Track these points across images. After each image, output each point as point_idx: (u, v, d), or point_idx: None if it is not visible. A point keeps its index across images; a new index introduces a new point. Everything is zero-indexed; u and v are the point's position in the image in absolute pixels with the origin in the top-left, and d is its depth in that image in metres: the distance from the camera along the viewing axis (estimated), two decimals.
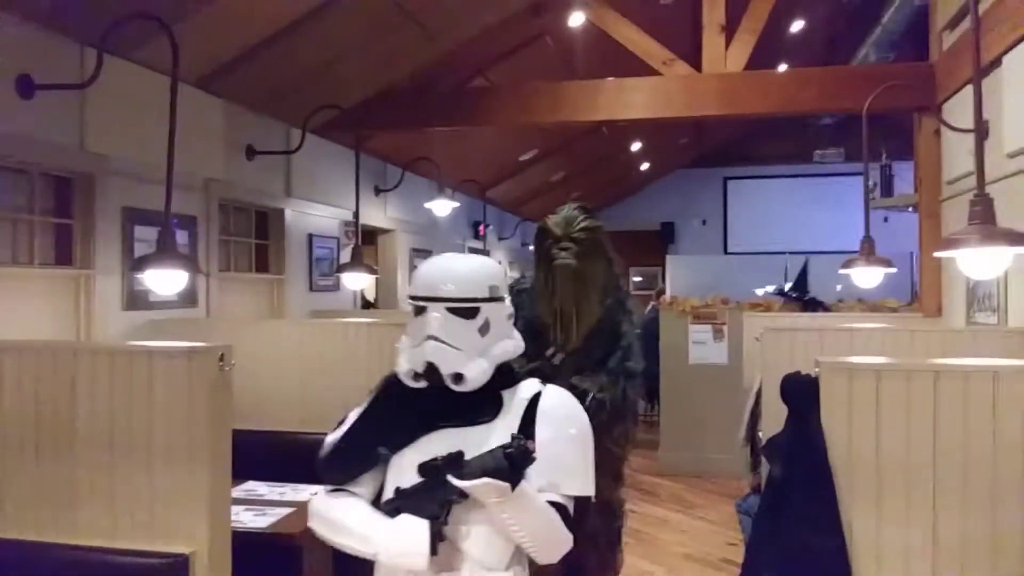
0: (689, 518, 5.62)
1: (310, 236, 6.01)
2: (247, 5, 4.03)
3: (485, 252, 9.82)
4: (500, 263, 2.25)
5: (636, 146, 11.18)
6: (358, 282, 5.54)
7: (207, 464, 2.29)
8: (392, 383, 1.87)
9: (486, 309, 1.78)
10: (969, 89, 3.69)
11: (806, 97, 5.45)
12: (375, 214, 7.08)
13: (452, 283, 1.76)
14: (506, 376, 1.84)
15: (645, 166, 12.79)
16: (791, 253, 11.05)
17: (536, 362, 2.72)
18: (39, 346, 2.57)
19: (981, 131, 2.81)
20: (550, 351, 2.92)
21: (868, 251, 4.23)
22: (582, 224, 2.86)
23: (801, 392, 2.21)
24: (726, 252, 14.07)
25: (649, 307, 8.03)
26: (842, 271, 4.38)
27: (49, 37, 3.56)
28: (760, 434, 3.67)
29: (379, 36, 5.00)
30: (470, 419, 1.77)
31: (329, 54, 4.94)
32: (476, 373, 1.73)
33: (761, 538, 2.41)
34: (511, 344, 1.85)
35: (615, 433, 2.91)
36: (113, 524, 2.30)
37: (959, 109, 4.51)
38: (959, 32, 4.75)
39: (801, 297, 6.82)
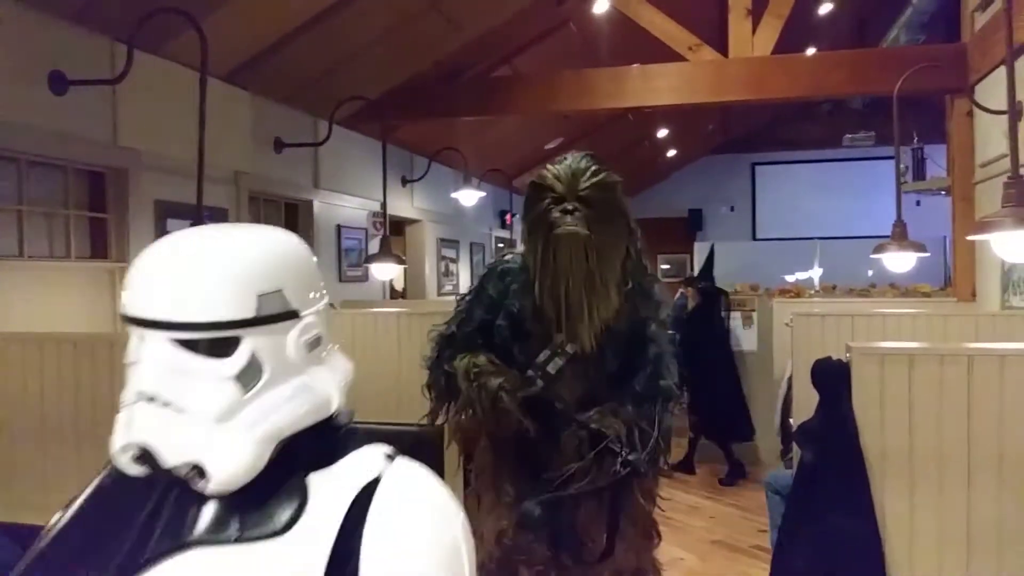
0: (719, 504, 5.61)
1: (338, 227, 6.06)
2: (271, 1, 4.07)
3: (512, 242, 9.83)
4: (302, 242, 1.03)
5: (662, 133, 11.10)
6: (387, 273, 5.58)
7: None
8: (114, 474, 0.97)
9: (253, 340, 0.91)
10: (1002, 70, 3.62)
11: (835, 80, 5.37)
12: (402, 204, 7.12)
13: (178, 293, 0.89)
14: (317, 448, 0.96)
15: (672, 153, 12.70)
16: (821, 239, 10.94)
17: (526, 372, 2.10)
18: (78, 337, 2.63)
19: (1015, 112, 2.76)
20: (544, 355, 2.10)
21: (900, 235, 4.17)
22: (594, 179, 2.04)
23: (832, 377, 2.20)
24: (754, 238, 13.95)
25: (678, 294, 7.99)
26: (874, 256, 4.33)
27: (80, 33, 3.61)
28: (792, 420, 3.65)
29: (404, 26, 5.02)
30: (243, 532, 0.89)
31: (355, 46, 4.96)
32: (231, 465, 0.88)
33: (793, 523, 2.40)
34: (311, 400, 0.95)
35: (646, 486, 2.23)
36: None
37: (992, 90, 4.43)
38: (991, 12, 4.66)
39: (708, 285, 6.50)
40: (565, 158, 2.11)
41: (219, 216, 4.55)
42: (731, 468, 6.16)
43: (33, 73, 3.39)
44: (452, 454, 3.92)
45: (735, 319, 6.70)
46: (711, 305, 6.47)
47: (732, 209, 14.42)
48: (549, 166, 2.10)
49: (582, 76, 5.79)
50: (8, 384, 2.52)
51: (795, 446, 3.15)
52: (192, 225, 3.27)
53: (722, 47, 5.55)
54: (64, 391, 2.49)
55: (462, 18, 5.23)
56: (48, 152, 3.54)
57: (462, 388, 2.16)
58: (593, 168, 2.06)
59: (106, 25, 3.67)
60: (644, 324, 2.12)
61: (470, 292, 2.34)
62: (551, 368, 2.09)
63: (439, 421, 2.38)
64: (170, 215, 4.17)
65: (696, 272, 6.97)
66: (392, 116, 5.89)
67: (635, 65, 5.70)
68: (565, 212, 2.01)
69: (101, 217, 3.89)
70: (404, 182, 7.12)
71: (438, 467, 3.84)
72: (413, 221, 7.61)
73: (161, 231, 4.11)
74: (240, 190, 4.79)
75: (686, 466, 6.35)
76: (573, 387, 2.11)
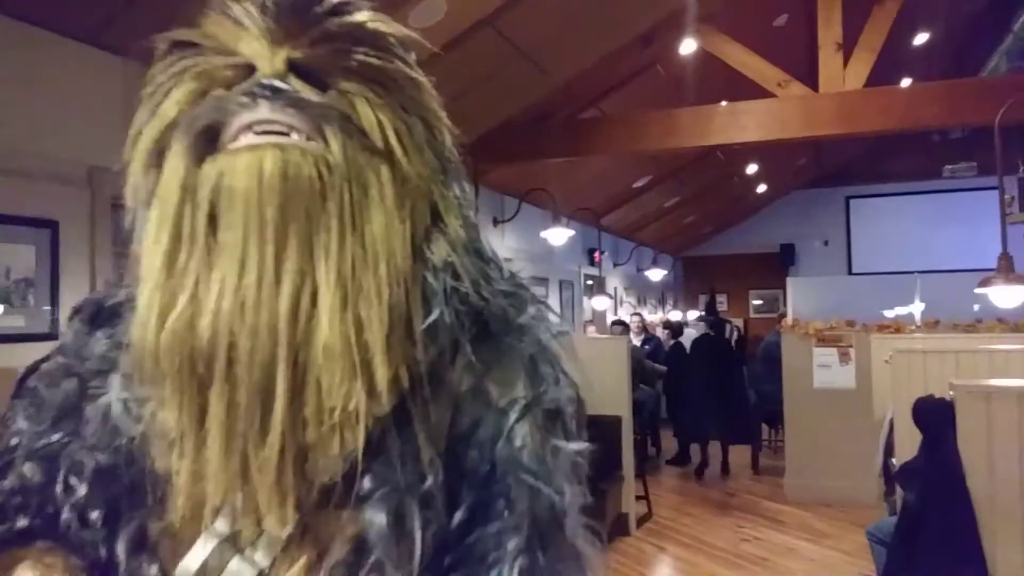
0: (819, 547, 5.44)
1: None
2: None
3: (601, 279, 9.89)
4: None
5: (752, 168, 11.01)
6: None
7: None
8: None
9: None
10: None
11: (931, 112, 5.27)
12: (494, 244, 7.25)
13: None
14: None
15: (762, 188, 12.55)
16: (921, 272, 10.56)
17: None
18: None
19: None
20: (199, 556, 0.67)
21: (1006, 268, 4.03)
22: (345, 17, 0.68)
23: (935, 417, 2.17)
24: (850, 273, 13.57)
25: (772, 331, 7.86)
26: (978, 290, 4.20)
27: None
28: (893, 460, 3.56)
29: (496, 74, 5.20)
30: None
31: (449, 94, 5.15)
32: None
33: (897, 567, 2.36)
34: None
35: None
36: None
37: None
38: None
39: (714, 320, 8.17)
40: None
41: None
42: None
43: None
44: None
45: (831, 356, 6.55)
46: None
47: (826, 243, 14.10)
48: None
49: (669, 116, 5.86)
50: None
51: (898, 488, 3.08)
52: None
53: (812, 82, 5.53)
54: None
55: (551, 64, 5.39)
56: None
57: None
58: None
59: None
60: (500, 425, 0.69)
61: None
62: None
63: None
64: None
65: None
66: (484, 160, 6.08)
67: (723, 103, 5.73)
68: (256, 96, 0.64)
69: None
70: (495, 222, 7.30)
71: None
72: (505, 260, 7.76)
73: None
74: None
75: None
76: None
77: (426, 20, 4.22)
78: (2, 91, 2.93)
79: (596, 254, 9.87)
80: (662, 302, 14.10)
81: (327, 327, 0.60)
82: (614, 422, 5.47)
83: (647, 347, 8.50)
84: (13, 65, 2.97)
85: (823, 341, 6.47)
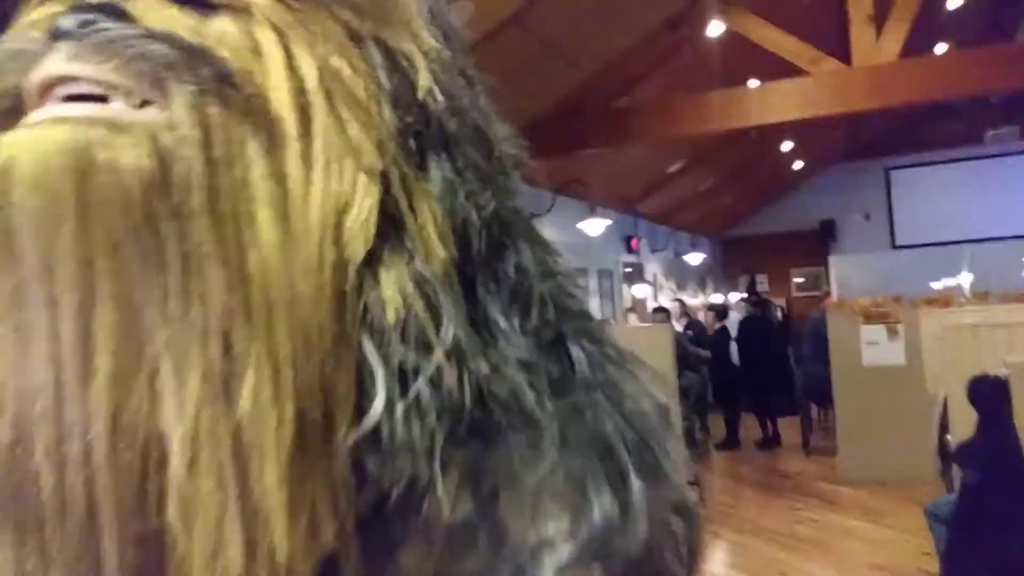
0: (877, 526, 5.39)
1: None
2: None
3: (639, 266, 9.87)
4: None
5: (787, 146, 10.87)
6: None
7: None
8: None
9: None
10: None
11: (969, 79, 5.17)
12: None
13: None
14: None
15: (798, 164, 12.39)
16: (969, 242, 10.35)
17: None
18: None
19: None
20: None
21: None
22: None
23: (990, 396, 2.16)
24: (894, 247, 13.34)
25: (816, 309, 7.79)
26: None
27: None
28: (949, 438, 3.52)
29: (525, 70, 5.22)
30: None
31: None
32: None
33: (959, 546, 2.35)
34: None
35: None
36: None
37: None
38: None
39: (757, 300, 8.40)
40: None
41: None
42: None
43: None
44: None
45: (879, 332, 6.46)
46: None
47: (867, 217, 13.86)
48: None
49: (700, 99, 5.83)
50: None
51: (955, 466, 3.06)
52: None
53: (845, 56, 5.45)
54: None
55: (580, 56, 5.39)
56: None
57: None
58: None
59: None
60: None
61: None
62: None
63: None
64: None
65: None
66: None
67: (755, 83, 5.68)
68: (57, 35, 0.35)
69: None
70: (531, 216, 7.32)
71: None
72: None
73: None
74: None
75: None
76: None
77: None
78: None
79: (633, 241, 9.85)
80: (702, 286, 14.00)
81: (178, 455, 0.32)
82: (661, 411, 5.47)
83: (689, 332, 8.47)
84: None
85: (870, 318, 6.39)
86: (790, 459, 7.43)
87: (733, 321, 8.80)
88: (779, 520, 5.51)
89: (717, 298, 12.64)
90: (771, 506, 5.89)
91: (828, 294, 6.80)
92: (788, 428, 8.20)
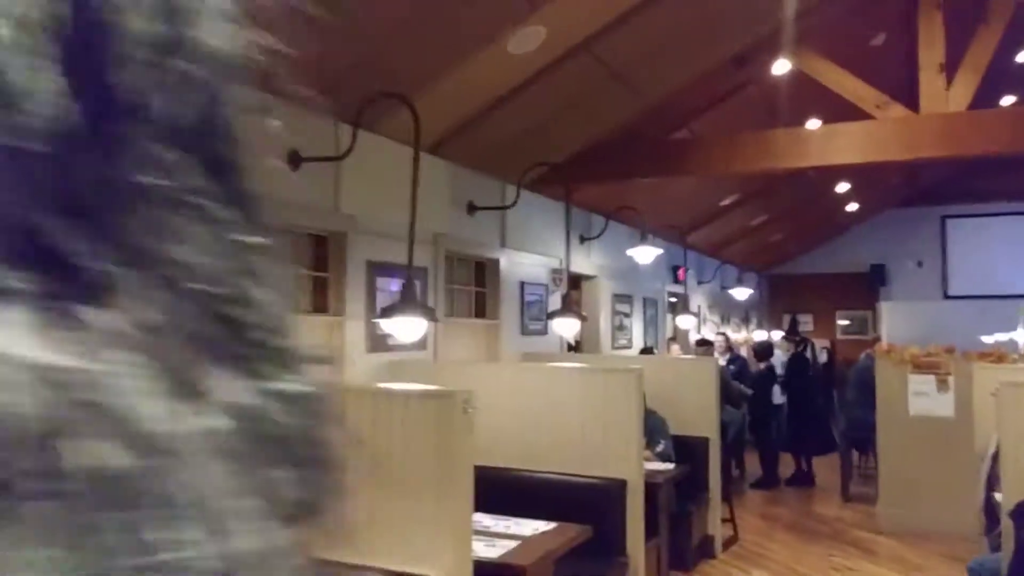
0: None
1: (521, 283, 6.37)
2: (472, 78, 4.46)
3: (685, 297, 9.84)
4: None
5: (843, 187, 10.78)
6: (569, 328, 5.79)
7: (453, 497, 2.57)
8: None
9: None
10: None
11: None
12: (580, 261, 7.36)
13: None
14: None
15: (853, 207, 12.25)
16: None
17: None
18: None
19: None
20: None
21: None
22: None
23: None
24: (946, 296, 13.09)
25: (863, 355, 7.68)
26: None
27: (312, 117, 4.13)
28: (997, 496, 3.46)
29: (587, 96, 5.29)
30: None
31: (541, 116, 5.29)
32: None
33: None
34: None
35: None
36: (371, 545, 2.60)
37: None
38: None
39: (797, 340, 8.63)
40: None
41: (419, 274, 4.96)
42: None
43: (275, 151, 3.90)
44: (635, 505, 4.03)
45: (928, 383, 6.36)
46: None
47: (920, 264, 13.64)
48: None
49: (762, 137, 5.84)
50: None
51: (1002, 524, 3.01)
52: (404, 285, 3.64)
53: (911, 103, 5.43)
54: None
55: (643, 86, 5.44)
56: (284, 220, 4.03)
57: None
58: None
59: (332, 108, 4.18)
60: None
61: None
62: None
63: None
64: (379, 273, 4.61)
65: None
66: (574, 179, 6.16)
67: (817, 124, 5.68)
68: None
69: (323, 276, 4.36)
70: (582, 240, 7.37)
71: (619, 514, 3.96)
72: (589, 277, 7.83)
73: (371, 288, 4.55)
74: (438, 250, 5.20)
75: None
76: None
77: (525, 47, 4.35)
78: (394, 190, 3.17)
79: (680, 271, 9.82)
80: (746, 321, 13.87)
81: None
82: (702, 443, 5.45)
83: (732, 367, 8.42)
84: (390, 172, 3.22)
85: (920, 367, 6.29)
86: (827, 504, 7.32)
87: (776, 360, 8.72)
88: (814, 566, 5.44)
89: (760, 335, 12.51)
90: (806, 550, 5.81)
91: (878, 339, 6.70)
92: (825, 470, 8.09)
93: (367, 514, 2.61)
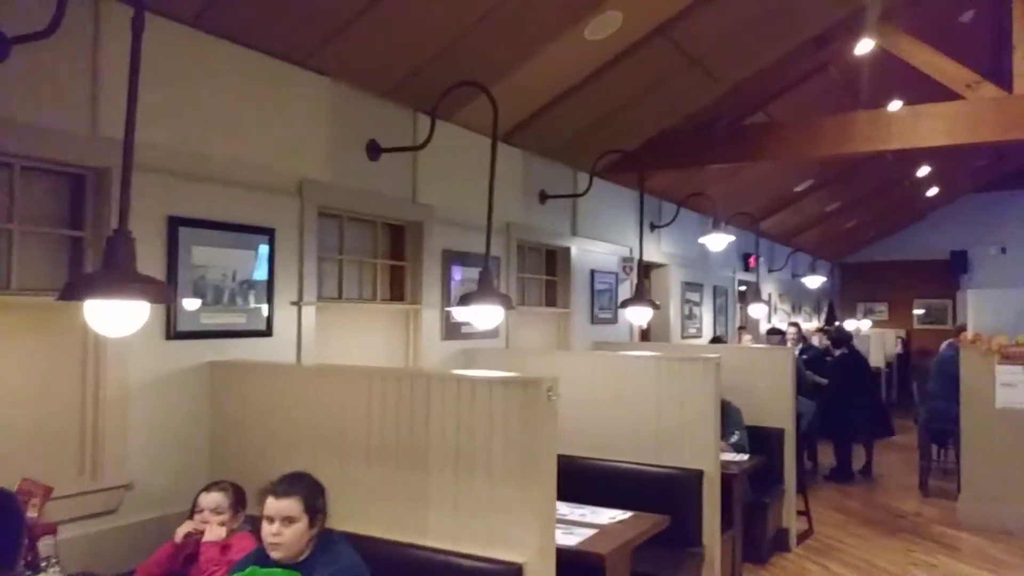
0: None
1: (592, 272, 6.34)
2: (548, 65, 4.43)
3: (756, 285, 9.66)
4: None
5: (923, 171, 10.40)
6: (642, 316, 5.73)
7: (537, 483, 2.57)
8: None
9: None
10: None
11: None
12: (650, 249, 7.28)
13: None
14: None
15: (933, 191, 11.82)
16: None
17: None
18: (399, 373, 3.04)
19: None
20: None
21: None
22: None
23: None
24: None
25: (945, 344, 7.42)
26: None
27: (390, 108, 4.17)
28: None
29: (663, 82, 5.21)
30: None
31: (615, 103, 5.24)
32: None
33: None
34: None
35: None
36: (459, 530, 2.63)
37: None
38: None
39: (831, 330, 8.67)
40: None
41: (494, 264, 4.97)
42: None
43: (354, 143, 3.97)
44: (712, 496, 3.99)
45: (1017, 374, 6.11)
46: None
47: (1003, 251, 13.10)
48: None
49: (843, 120, 5.67)
50: (344, 409, 2.97)
51: None
52: (482, 273, 3.65)
53: (1003, 82, 5.19)
54: (386, 418, 2.88)
55: (720, 70, 5.33)
56: (362, 210, 4.10)
57: None
58: None
59: (410, 99, 4.21)
60: None
61: None
62: None
63: None
64: (454, 262, 4.64)
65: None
66: (646, 166, 6.09)
67: (901, 106, 5.49)
68: None
69: (399, 265, 4.42)
70: (652, 227, 7.30)
71: (695, 504, 3.92)
72: (659, 265, 7.75)
73: (447, 277, 4.59)
74: (511, 239, 5.21)
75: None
76: None
77: (602, 33, 4.31)
78: (225, 109, 3.26)
79: (751, 259, 9.64)
80: (817, 310, 13.55)
81: None
82: (776, 434, 5.36)
83: (804, 356, 8.23)
84: (234, 85, 3.29)
85: (1008, 358, 6.05)
86: (904, 498, 7.12)
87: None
88: (893, 561, 5.30)
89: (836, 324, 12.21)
90: (884, 545, 5.67)
91: (963, 328, 6.45)
92: (899, 464, 7.87)
93: (452, 499, 2.64)
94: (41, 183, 2.78)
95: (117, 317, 2.10)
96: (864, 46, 5.85)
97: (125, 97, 2.10)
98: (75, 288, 2.06)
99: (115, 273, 2.07)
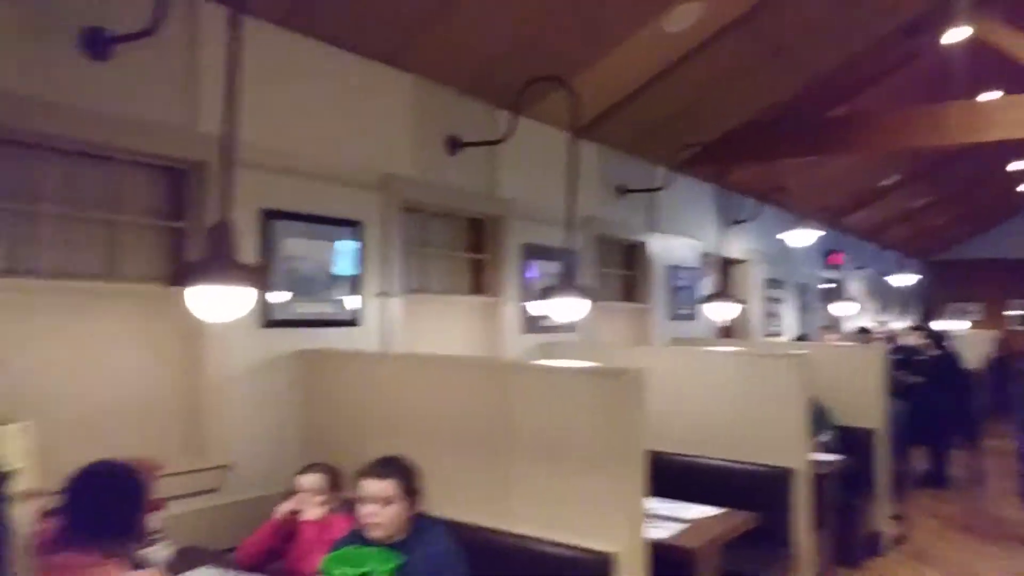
0: None
1: (670, 267, 6.25)
2: (626, 58, 4.39)
3: (839, 282, 9.38)
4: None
5: (1017, 165, 9.92)
6: (724, 313, 5.62)
7: (626, 474, 2.54)
8: None
9: None
10: None
11: None
12: (729, 244, 7.15)
13: None
14: None
15: None
16: None
17: None
18: (482, 362, 3.05)
19: None
20: None
21: None
22: None
23: None
24: None
25: None
26: None
27: (469, 102, 4.20)
28: None
29: (744, 73, 5.11)
30: None
31: (694, 95, 5.16)
32: None
33: None
34: None
35: None
36: (546, 518, 2.62)
37: None
38: None
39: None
40: None
41: (572, 257, 4.95)
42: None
43: (434, 138, 4.01)
44: (802, 495, 3.87)
45: None
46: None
47: None
48: None
49: (935, 111, 5.44)
50: (430, 397, 3.00)
51: None
52: (565, 266, 3.64)
53: None
54: (469, 407, 2.89)
55: (802, 61, 5.20)
56: (443, 204, 4.14)
57: None
58: None
59: (490, 94, 4.24)
60: None
61: None
62: None
63: None
64: (532, 256, 4.64)
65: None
66: (726, 160, 5.98)
67: (999, 95, 5.24)
68: None
69: (479, 258, 4.44)
70: (733, 222, 7.16)
71: (784, 503, 3.81)
72: (739, 261, 7.59)
73: (524, 270, 4.59)
74: (588, 233, 5.18)
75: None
76: None
77: (680, 24, 4.25)
78: (312, 106, 3.33)
79: (836, 256, 9.36)
80: (906, 310, 13.07)
81: None
82: (867, 435, 5.17)
83: (896, 356, 7.91)
84: (321, 83, 3.37)
85: None
86: (1002, 505, 6.78)
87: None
88: (996, 569, 5.05)
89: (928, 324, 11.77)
90: (985, 552, 5.41)
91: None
92: (999, 471, 7.51)
93: (538, 488, 2.64)
94: (142, 176, 2.90)
95: (219, 303, 2.17)
96: (956, 35, 5.60)
97: (222, 94, 2.18)
98: (184, 273, 2.14)
99: (221, 260, 2.15)
